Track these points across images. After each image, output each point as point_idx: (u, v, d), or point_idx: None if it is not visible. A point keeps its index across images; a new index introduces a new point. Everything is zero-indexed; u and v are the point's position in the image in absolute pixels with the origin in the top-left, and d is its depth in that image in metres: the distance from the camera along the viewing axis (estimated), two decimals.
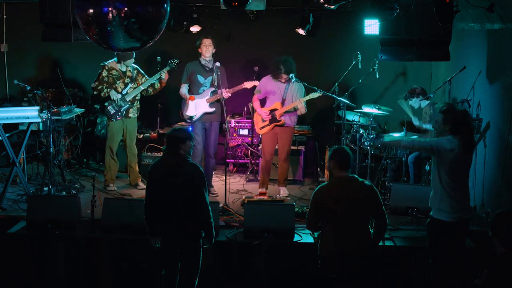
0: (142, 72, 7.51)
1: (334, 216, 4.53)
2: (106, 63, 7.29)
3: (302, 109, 7.03)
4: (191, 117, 7.15)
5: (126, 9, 3.63)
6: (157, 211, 4.84)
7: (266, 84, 7.12)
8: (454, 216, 4.75)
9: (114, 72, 7.27)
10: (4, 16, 8.83)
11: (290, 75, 6.91)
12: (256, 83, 7.08)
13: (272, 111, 7.12)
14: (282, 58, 7.02)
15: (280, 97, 7.11)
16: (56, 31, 6.55)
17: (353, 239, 4.51)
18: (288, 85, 7.08)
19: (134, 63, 7.38)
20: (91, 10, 3.69)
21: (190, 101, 7.11)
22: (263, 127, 7.18)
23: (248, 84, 7.04)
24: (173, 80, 7.77)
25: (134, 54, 7.26)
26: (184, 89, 7.23)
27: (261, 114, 7.15)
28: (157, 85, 7.43)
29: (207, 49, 6.97)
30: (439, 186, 4.79)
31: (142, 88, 7.32)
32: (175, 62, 7.29)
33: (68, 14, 6.27)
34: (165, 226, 4.84)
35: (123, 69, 7.31)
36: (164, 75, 7.28)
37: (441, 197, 4.78)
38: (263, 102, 7.30)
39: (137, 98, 7.41)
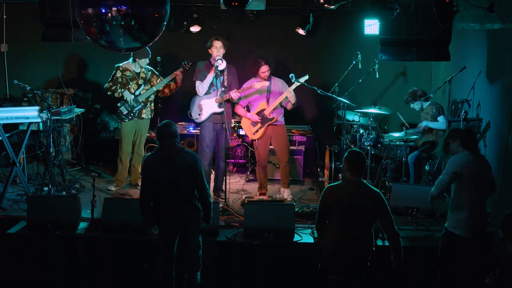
0: (157, 73, 7.51)
1: (336, 217, 4.51)
2: (120, 65, 7.29)
3: (292, 98, 6.94)
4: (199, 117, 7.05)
5: (126, 9, 3.63)
6: (155, 199, 4.95)
7: (248, 88, 7.01)
8: (471, 231, 4.80)
9: (127, 73, 7.26)
10: (4, 16, 8.84)
11: (290, 75, 6.91)
12: (266, 83, 6.95)
13: (259, 112, 7.09)
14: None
15: (264, 97, 7.09)
16: (56, 31, 6.55)
17: (354, 244, 4.50)
18: (270, 83, 7.04)
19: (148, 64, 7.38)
20: (90, 10, 3.69)
21: (198, 101, 7.06)
22: (256, 131, 7.11)
23: (258, 85, 6.91)
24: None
25: (150, 54, 7.25)
26: (200, 82, 7.03)
27: (251, 118, 7.09)
28: (172, 86, 7.42)
29: (218, 51, 6.92)
30: (456, 202, 4.84)
31: (155, 89, 7.32)
32: (188, 65, 7.21)
33: (68, 14, 6.27)
34: (164, 213, 4.94)
35: (137, 70, 7.31)
36: (177, 76, 7.25)
37: (458, 213, 4.82)
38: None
39: (150, 99, 7.40)
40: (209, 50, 7.00)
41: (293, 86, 6.92)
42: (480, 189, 4.89)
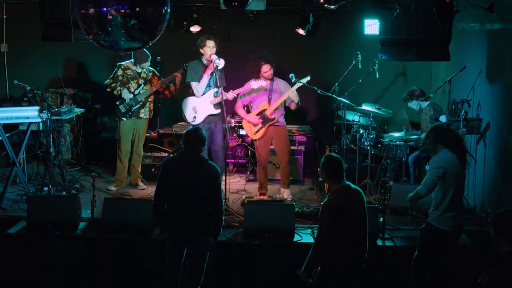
0: (158, 74, 7.52)
1: (339, 226, 4.40)
2: (122, 63, 7.32)
3: (295, 98, 6.93)
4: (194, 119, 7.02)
5: (126, 9, 3.63)
6: (170, 202, 4.89)
7: (250, 89, 6.99)
8: (452, 225, 4.89)
9: (129, 72, 7.29)
10: (4, 16, 8.84)
11: (290, 75, 6.90)
12: (263, 83, 6.93)
13: (261, 112, 7.08)
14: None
15: (266, 97, 7.07)
16: (56, 31, 6.55)
17: (356, 245, 4.49)
18: (272, 83, 7.04)
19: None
20: (91, 10, 3.69)
21: (192, 103, 7.04)
22: (257, 131, 7.09)
23: (254, 84, 6.89)
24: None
25: (150, 57, 7.27)
26: (197, 83, 6.99)
27: (251, 121, 7.08)
28: (172, 88, 7.41)
29: (211, 50, 6.90)
30: (442, 198, 4.89)
31: (154, 89, 7.32)
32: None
33: (68, 14, 6.27)
34: (178, 221, 4.89)
35: (138, 70, 7.32)
36: (177, 76, 7.22)
37: (444, 209, 4.88)
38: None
39: (149, 99, 7.40)
40: (200, 50, 6.96)
41: (296, 86, 6.91)
42: (462, 184, 4.99)
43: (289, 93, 6.91)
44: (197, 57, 7.08)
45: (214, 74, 6.86)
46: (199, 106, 7.00)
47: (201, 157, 4.89)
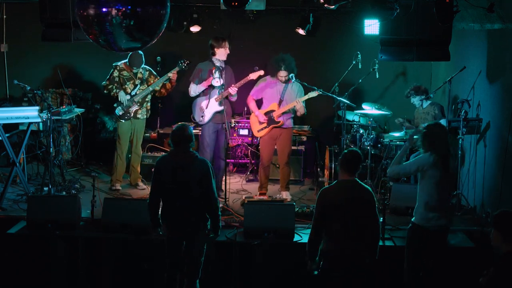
0: (155, 73, 7.52)
1: (333, 218, 4.53)
2: (118, 64, 7.31)
3: (301, 109, 6.99)
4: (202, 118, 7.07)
5: (126, 9, 3.63)
6: (164, 201, 4.93)
7: (264, 85, 7.08)
8: (436, 225, 4.90)
9: (125, 73, 7.29)
10: (4, 16, 8.83)
11: (290, 75, 6.90)
12: (261, 72, 6.93)
13: (268, 112, 7.09)
14: (281, 55, 7.02)
15: (278, 98, 7.08)
16: (56, 31, 6.56)
17: (351, 242, 4.52)
18: (286, 85, 7.06)
19: (145, 63, 7.39)
20: (91, 10, 3.69)
21: (199, 103, 7.06)
22: (261, 130, 7.12)
23: (253, 75, 6.91)
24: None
25: (144, 60, 7.28)
26: (195, 85, 7.05)
27: (259, 117, 7.10)
28: (168, 86, 7.41)
29: (226, 51, 6.94)
30: (424, 197, 4.94)
31: (151, 89, 7.31)
32: (185, 63, 7.21)
33: (68, 14, 6.27)
34: (172, 221, 4.92)
35: (135, 70, 7.32)
36: (172, 75, 7.22)
37: (424, 207, 4.92)
38: (259, 103, 7.26)
39: (146, 99, 7.40)
40: (215, 49, 6.95)
41: (304, 98, 6.94)
42: (444, 188, 4.96)
43: (295, 103, 6.94)
44: (202, 57, 7.10)
45: (220, 71, 6.91)
46: (205, 105, 7.04)
47: (190, 154, 4.90)
